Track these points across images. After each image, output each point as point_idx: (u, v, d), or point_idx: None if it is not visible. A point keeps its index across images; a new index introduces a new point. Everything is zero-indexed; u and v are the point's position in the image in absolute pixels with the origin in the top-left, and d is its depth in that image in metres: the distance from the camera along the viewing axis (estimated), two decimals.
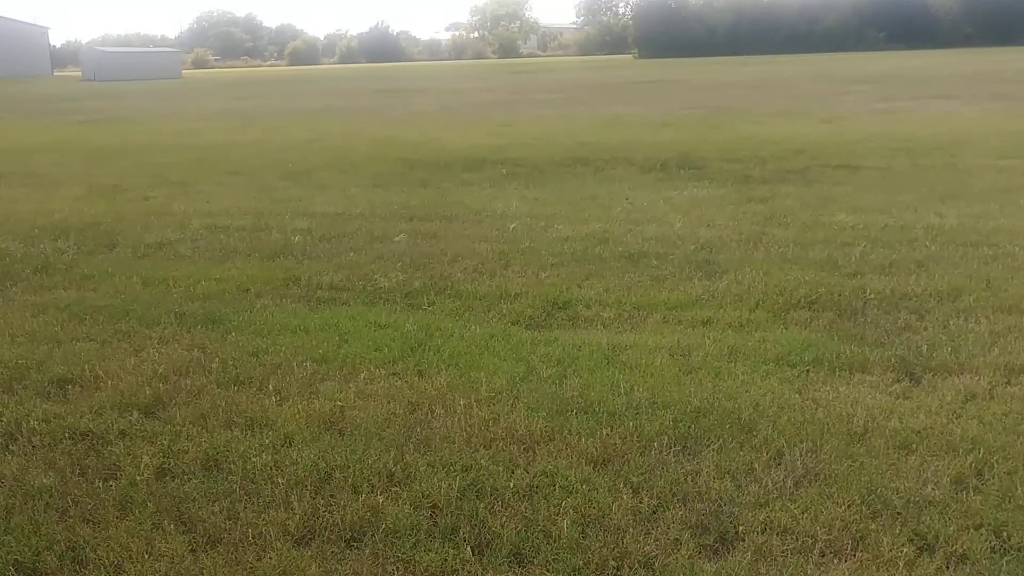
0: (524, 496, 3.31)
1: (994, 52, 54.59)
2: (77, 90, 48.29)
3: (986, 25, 73.76)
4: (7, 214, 9.63)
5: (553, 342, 5.01)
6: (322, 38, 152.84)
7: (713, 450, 3.64)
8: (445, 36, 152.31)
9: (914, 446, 3.65)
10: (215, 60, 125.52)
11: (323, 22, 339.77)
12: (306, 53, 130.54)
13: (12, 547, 3.07)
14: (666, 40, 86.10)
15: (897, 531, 3.05)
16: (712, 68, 49.72)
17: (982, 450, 3.58)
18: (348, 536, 3.10)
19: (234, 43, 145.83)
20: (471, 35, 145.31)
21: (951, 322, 5.19)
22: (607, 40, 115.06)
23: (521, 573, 2.89)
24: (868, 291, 5.80)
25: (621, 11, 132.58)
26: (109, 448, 3.82)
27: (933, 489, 3.31)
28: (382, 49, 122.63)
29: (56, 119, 25.58)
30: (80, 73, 76.51)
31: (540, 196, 9.94)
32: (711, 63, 58.70)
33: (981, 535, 3.02)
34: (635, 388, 4.26)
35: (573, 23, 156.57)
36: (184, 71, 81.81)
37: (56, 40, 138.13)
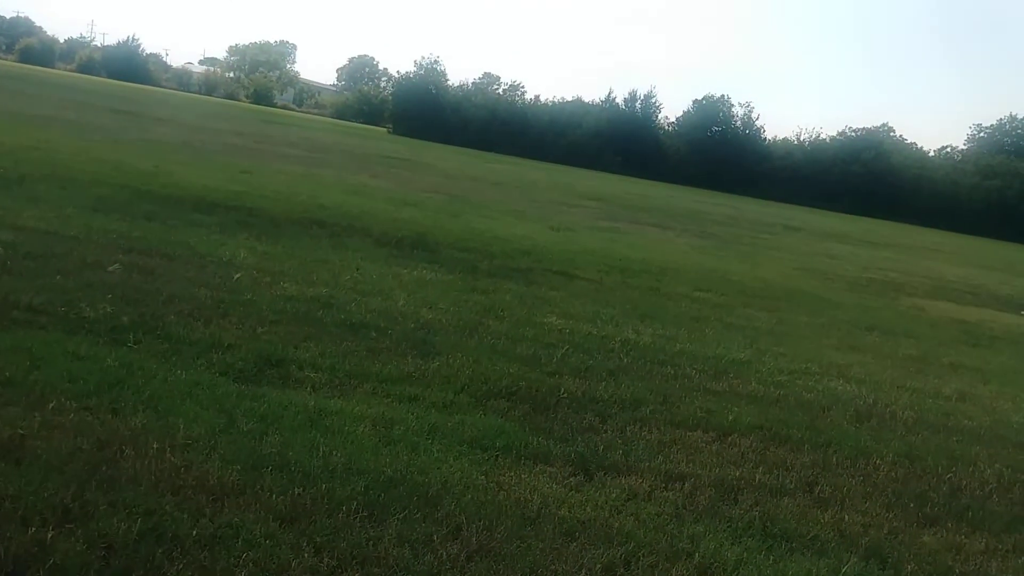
0: (205, 545, 3.32)
1: (710, 194, 60.79)
2: None
3: (707, 169, 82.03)
4: None
5: (260, 398, 5.02)
6: (62, 41, 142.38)
7: (398, 519, 3.82)
8: (198, 69, 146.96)
9: (577, 534, 4.03)
10: None
11: (66, 24, 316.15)
12: (41, 53, 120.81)
13: None
14: (421, 122, 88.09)
15: None
16: (461, 158, 51.50)
17: (633, 544, 4.02)
18: (9, 570, 2.96)
19: None
20: (226, 74, 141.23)
21: (628, 428, 5.76)
22: (364, 109, 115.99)
23: None
24: (562, 390, 6.30)
25: (383, 84, 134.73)
26: None
27: (586, 574, 3.67)
28: (128, 68, 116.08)
29: None
30: None
31: (271, 251, 9.88)
32: (461, 153, 60.78)
33: None
34: (333, 452, 4.37)
35: (333, 85, 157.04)
36: None
37: None
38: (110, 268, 7.58)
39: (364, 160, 32.79)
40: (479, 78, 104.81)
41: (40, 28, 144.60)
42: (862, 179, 79.31)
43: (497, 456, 4.82)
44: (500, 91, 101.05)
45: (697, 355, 8.37)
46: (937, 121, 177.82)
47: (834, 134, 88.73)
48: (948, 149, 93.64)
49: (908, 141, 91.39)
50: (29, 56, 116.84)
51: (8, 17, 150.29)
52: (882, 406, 7.45)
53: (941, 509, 5.22)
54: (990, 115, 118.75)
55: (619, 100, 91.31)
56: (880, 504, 5.12)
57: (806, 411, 6.92)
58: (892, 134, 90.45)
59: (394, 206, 17.37)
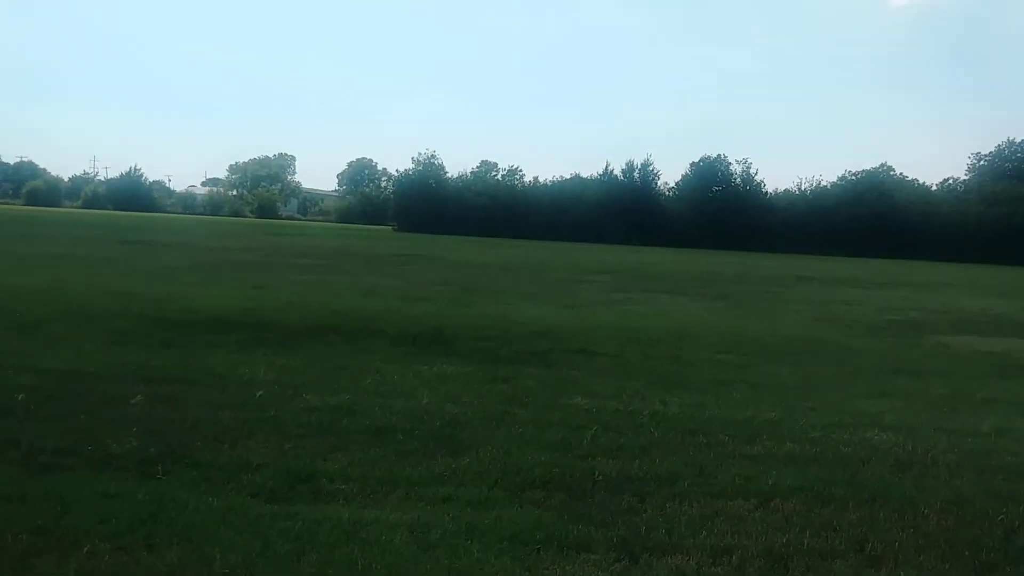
0: None
1: (717, 254, 60.92)
2: None
3: (712, 230, 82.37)
4: None
5: (293, 516, 4.97)
6: (66, 179, 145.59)
7: None
8: (201, 190, 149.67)
9: None
10: None
11: (69, 162, 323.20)
12: (46, 194, 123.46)
13: None
14: (425, 216, 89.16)
15: None
16: (467, 247, 51.92)
17: None
18: None
19: None
20: (229, 192, 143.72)
21: (668, 505, 5.66)
22: (368, 210, 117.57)
23: None
24: (597, 473, 6.21)
25: (383, 184, 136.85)
26: None
27: None
28: (133, 197, 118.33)
29: None
30: None
31: (290, 363, 9.89)
32: (467, 242, 61.29)
33: None
34: (373, 565, 4.30)
35: (335, 190, 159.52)
36: None
37: None
38: (132, 401, 7.59)
39: (373, 261, 33.09)
40: (477, 167, 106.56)
41: (44, 170, 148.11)
42: (868, 221, 79.44)
43: (539, 549, 4.73)
44: (499, 177, 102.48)
45: (727, 420, 8.27)
46: (935, 154, 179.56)
47: (834, 179, 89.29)
48: (950, 181, 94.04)
49: (909, 178, 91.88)
50: (36, 198, 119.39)
51: (12, 163, 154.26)
52: (922, 452, 7.32)
53: (997, 554, 5.08)
54: (988, 142, 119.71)
55: (617, 172, 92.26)
56: (934, 556, 4.99)
57: (845, 466, 6.80)
58: (892, 173, 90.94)
59: (407, 303, 17.44)
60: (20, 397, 7.40)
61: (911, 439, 7.75)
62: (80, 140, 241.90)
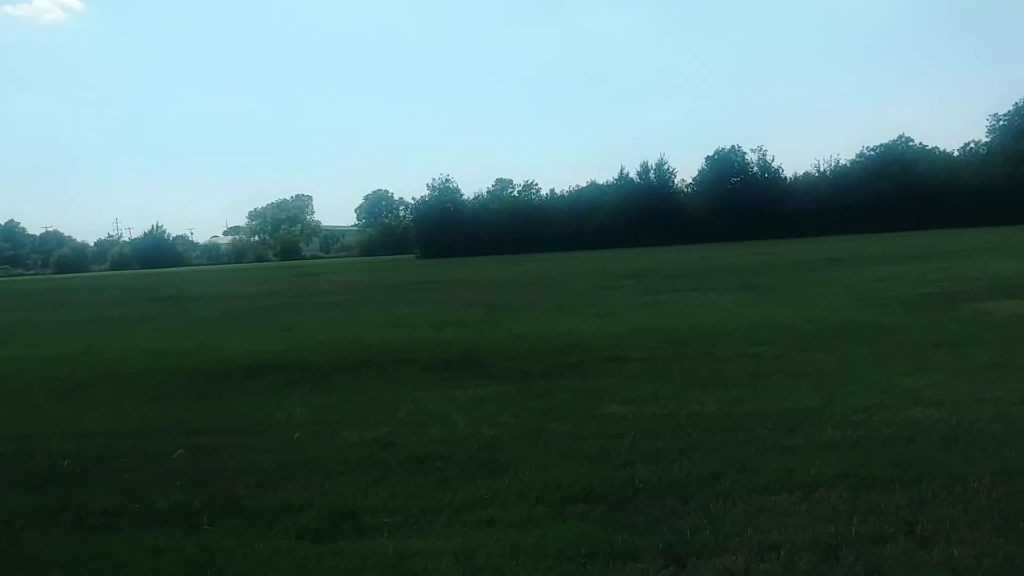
0: None
1: (742, 246, 60.59)
2: None
3: (734, 222, 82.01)
4: None
5: (338, 554, 5.00)
6: (92, 244, 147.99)
7: None
8: (224, 240, 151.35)
9: None
10: None
11: (93, 226, 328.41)
12: (74, 261, 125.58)
13: None
14: (445, 240, 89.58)
15: None
16: (491, 267, 52.00)
17: None
18: None
19: None
20: (251, 238, 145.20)
21: (711, 505, 5.62)
22: (389, 241, 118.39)
23: None
24: (638, 480, 6.18)
25: (401, 213, 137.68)
26: None
27: None
28: (158, 254, 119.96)
29: None
30: None
31: (325, 402, 9.95)
32: (490, 261, 61.39)
33: None
34: None
35: (354, 225, 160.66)
36: None
37: None
38: (174, 455, 7.67)
39: (398, 291, 33.22)
40: (492, 185, 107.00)
41: (70, 237, 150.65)
42: (892, 195, 78.70)
43: (584, 563, 4.72)
44: (515, 193, 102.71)
45: (766, 413, 8.20)
46: (952, 120, 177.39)
47: (853, 157, 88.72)
48: (971, 144, 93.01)
49: (929, 146, 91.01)
50: (64, 265, 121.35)
51: (38, 234, 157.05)
52: (967, 425, 7.22)
53: None
54: (1004, 102, 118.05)
55: (632, 174, 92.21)
56: (988, 530, 4.91)
57: (889, 447, 6.72)
58: (911, 143, 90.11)
59: (436, 329, 17.45)
60: (65, 463, 7.50)
61: (955, 413, 7.65)
62: (101, 203, 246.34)
